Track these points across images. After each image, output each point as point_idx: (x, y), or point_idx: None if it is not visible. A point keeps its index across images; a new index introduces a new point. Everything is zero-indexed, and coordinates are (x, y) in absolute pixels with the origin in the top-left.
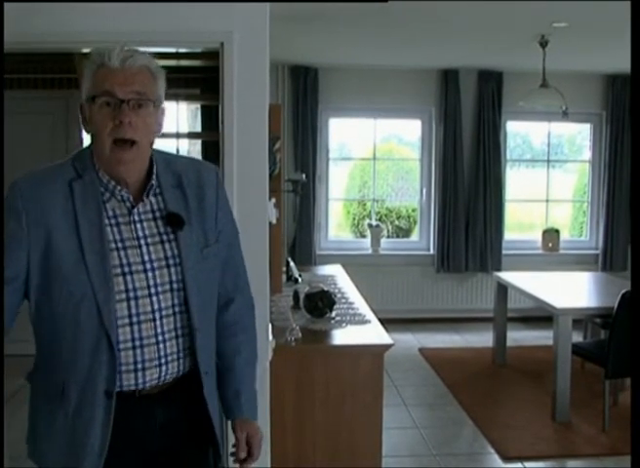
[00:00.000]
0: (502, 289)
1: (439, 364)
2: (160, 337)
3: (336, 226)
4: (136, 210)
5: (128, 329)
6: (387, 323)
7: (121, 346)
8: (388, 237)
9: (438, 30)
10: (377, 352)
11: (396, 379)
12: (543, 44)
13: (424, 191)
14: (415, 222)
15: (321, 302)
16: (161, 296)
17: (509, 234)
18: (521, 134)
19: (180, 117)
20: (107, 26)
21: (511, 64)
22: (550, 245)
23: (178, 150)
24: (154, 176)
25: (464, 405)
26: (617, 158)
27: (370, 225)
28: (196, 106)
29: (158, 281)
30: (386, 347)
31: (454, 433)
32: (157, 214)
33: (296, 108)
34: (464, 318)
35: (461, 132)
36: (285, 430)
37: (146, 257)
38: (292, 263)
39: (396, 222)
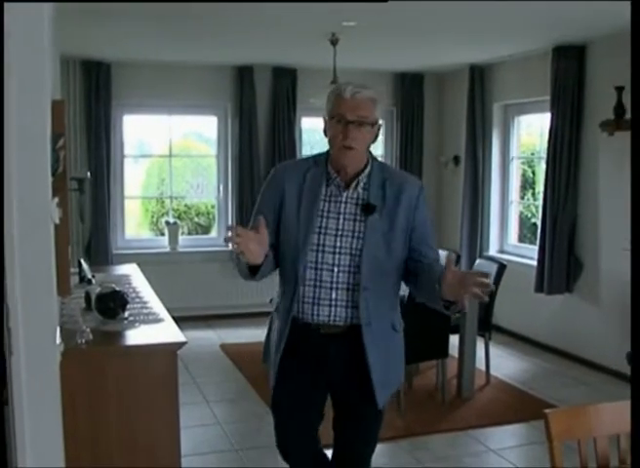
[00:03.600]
0: None
1: (240, 359)
2: (334, 285)
3: (135, 225)
4: (345, 193)
5: (312, 271)
6: (188, 320)
7: (306, 283)
8: (189, 234)
9: (231, 26)
10: (169, 350)
11: (197, 376)
12: (334, 42)
13: (221, 187)
14: (214, 219)
15: (113, 303)
16: (342, 256)
17: None
18: (320, 130)
19: None
20: None
21: (305, 62)
22: None
23: None
24: (363, 175)
25: (265, 398)
26: (407, 152)
27: (167, 223)
28: None
29: (342, 244)
30: (179, 345)
31: (256, 426)
32: (359, 202)
33: (88, 104)
34: (265, 312)
35: (257, 128)
36: (78, 435)
37: (340, 227)
38: (84, 264)
39: (196, 219)
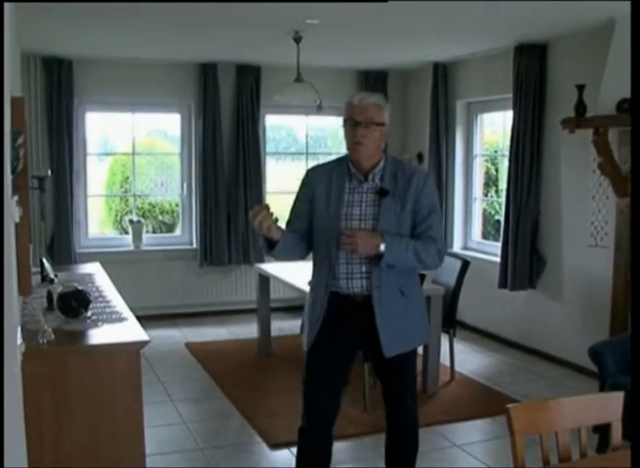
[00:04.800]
0: (264, 280)
1: (205, 357)
2: (364, 260)
3: (99, 223)
4: (365, 185)
5: (343, 252)
6: (153, 319)
7: (340, 262)
8: (154, 232)
9: (194, 24)
10: (132, 349)
11: (162, 375)
12: (297, 40)
13: (185, 185)
14: (178, 217)
15: (75, 302)
16: None
17: None
18: (286, 127)
19: None
20: None
21: (269, 59)
22: None
23: None
24: (378, 168)
25: (231, 396)
26: None
27: (131, 221)
28: None
29: (365, 226)
30: (142, 344)
31: (221, 425)
32: (376, 189)
33: (49, 102)
34: (230, 310)
35: (221, 125)
36: (42, 436)
37: (362, 212)
38: (46, 263)
39: (160, 217)
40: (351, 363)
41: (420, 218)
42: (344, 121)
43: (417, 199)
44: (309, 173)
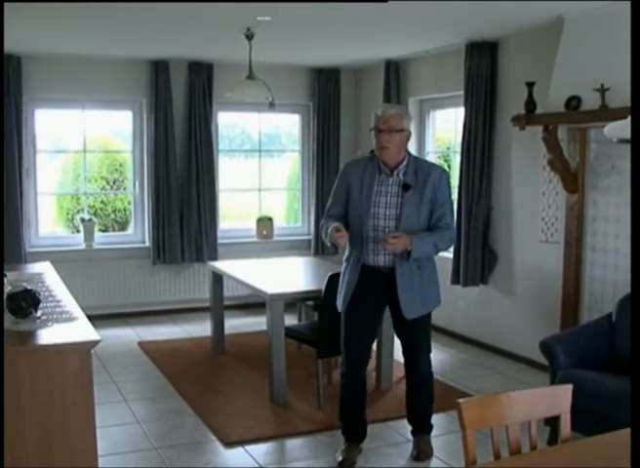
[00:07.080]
0: (218, 278)
1: (159, 356)
2: None
3: (51, 222)
4: (391, 179)
5: (371, 232)
6: (105, 318)
7: (368, 240)
8: (106, 231)
9: (145, 21)
10: (83, 349)
11: (115, 375)
12: (249, 37)
13: (137, 183)
14: (131, 215)
15: (25, 302)
16: (389, 221)
17: (225, 223)
18: (239, 124)
19: None
20: None
21: (221, 56)
22: (265, 232)
23: None
24: (402, 166)
25: (185, 395)
26: (324, 147)
27: (82, 219)
28: None
29: (388, 213)
30: (93, 343)
31: (175, 424)
32: (400, 183)
33: None
34: (183, 309)
35: (173, 123)
36: None
37: (388, 201)
38: None
39: (112, 216)
40: (378, 321)
41: (436, 207)
42: (372, 130)
43: (433, 191)
44: (347, 165)
